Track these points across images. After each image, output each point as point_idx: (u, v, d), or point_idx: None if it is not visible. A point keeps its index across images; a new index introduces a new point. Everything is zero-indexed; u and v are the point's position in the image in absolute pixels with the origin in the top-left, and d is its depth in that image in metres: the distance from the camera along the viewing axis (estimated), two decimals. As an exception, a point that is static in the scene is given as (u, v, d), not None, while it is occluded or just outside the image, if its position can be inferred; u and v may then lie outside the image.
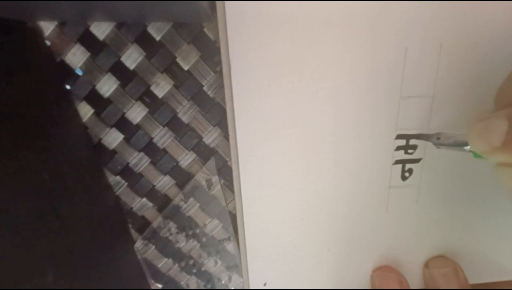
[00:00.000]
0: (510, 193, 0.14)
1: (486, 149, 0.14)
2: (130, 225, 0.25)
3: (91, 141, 0.23)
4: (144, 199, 0.25)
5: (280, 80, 0.19)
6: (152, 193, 0.24)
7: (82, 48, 0.21)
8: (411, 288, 0.22)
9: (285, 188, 0.21)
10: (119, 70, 0.22)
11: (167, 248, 0.26)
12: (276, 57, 0.19)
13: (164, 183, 0.24)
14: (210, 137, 0.23)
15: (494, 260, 0.23)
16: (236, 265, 0.26)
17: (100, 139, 0.23)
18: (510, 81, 0.15)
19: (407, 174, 0.21)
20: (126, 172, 0.24)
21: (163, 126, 0.23)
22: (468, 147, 0.16)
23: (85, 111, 0.22)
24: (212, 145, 0.23)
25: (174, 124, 0.23)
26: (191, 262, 0.26)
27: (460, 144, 0.17)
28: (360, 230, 0.22)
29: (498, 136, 0.13)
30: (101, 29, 0.21)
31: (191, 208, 0.25)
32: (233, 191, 0.24)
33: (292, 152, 0.21)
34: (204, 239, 0.26)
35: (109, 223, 0.23)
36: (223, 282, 0.27)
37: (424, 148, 0.21)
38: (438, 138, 0.19)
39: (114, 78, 0.22)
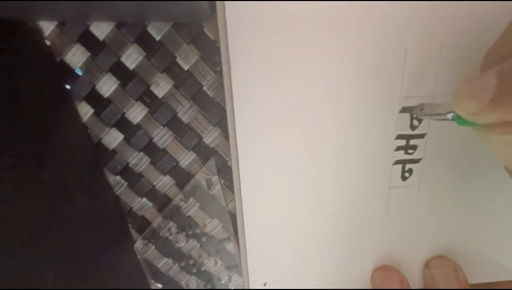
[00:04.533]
0: (499, 157, 0.14)
1: (475, 109, 0.13)
2: (130, 225, 0.25)
3: (91, 141, 0.23)
4: (144, 199, 0.25)
5: (280, 80, 0.19)
6: (152, 193, 0.24)
7: (82, 48, 0.21)
8: (411, 288, 0.22)
9: (285, 188, 0.21)
10: (119, 70, 0.22)
11: (167, 248, 0.26)
12: (276, 57, 0.19)
13: (164, 183, 0.24)
14: (210, 137, 0.23)
15: (494, 260, 0.23)
16: (236, 265, 0.26)
17: (100, 139, 0.23)
18: (500, 41, 0.15)
19: (407, 174, 0.21)
20: (126, 172, 0.24)
21: (163, 126, 0.23)
22: (451, 115, 0.16)
23: (85, 111, 0.22)
24: (212, 145, 0.23)
25: (174, 124, 0.23)
26: (191, 262, 0.26)
27: (443, 112, 0.16)
28: (360, 230, 0.22)
29: (487, 92, 0.13)
30: (101, 29, 0.21)
31: (191, 208, 0.25)
32: (233, 191, 0.24)
33: (292, 152, 0.21)
34: (204, 239, 0.26)
35: (109, 223, 0.23)
36: (223, 282, 0.27)
37: (424, 148, 0.21)
38: (421, 109, 0.18)
39: (114, 78, 0.22)
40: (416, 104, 0.19)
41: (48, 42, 0.21)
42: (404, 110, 0.20)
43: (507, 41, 0.15)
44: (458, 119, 0.15)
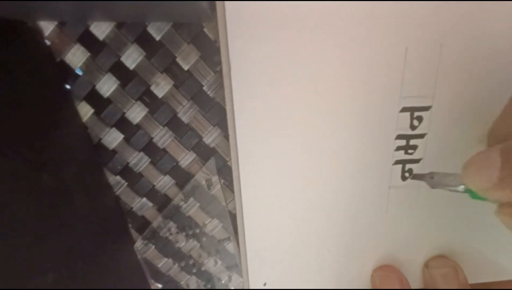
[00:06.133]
0: None
1: (483, 186, 0.13)
2: (130, 225, 0.25)
3: (91, 141, 0.23)
4: (144, 199, 0.25)
5: (279, 80, 0.19)
6: (152, 193, 0.24)
7: (82, 48, 0.21)
8: (411, 288, 0.22)
9: (285, 188, 0.21)
10: (119, 70, 0.22)
11: (167, 248, 0.26)
12: (276, 57, 0.19)
13: (164, 183, 0.24)
14: (210, 137, 0.23)
15: (494, 260, 0.23)
16: (236, 265, 0.26)
17: (100, 139, 0.23)
18: (502, 118, 0.15)
19: (407, 174, 0.21)
20: (126, 172, 0.24)
21: (163, 126, 0.23)
22: (462, 187, 0.15)
23: (85, 111, 0.22)
24: (212, 145, 0.23)
25: (174, 124, 0.23)
26: (191, 262, 0.26)
27: (454, 184, 0.16)
28: (360, 230, 0.22)
29: (494, 171, 0.13)
30: (101, 29, 0.21)
31: (191, 208, 0.25)
32: (233, 191, 0.24)
33: (292, 152, 0.21)
34: (204, 239, 0.26)
35: (109, 223, 0.23)
36: (223, 282, 0.27)
37: (424, 148, 0.21)
38: (432, 177, 0.18)
39: (114, 78, 0.22)
40: (431, 172, 0.19)
41: (48, 42, 0.21)
42: (414, 177, 0.20)
43: (509, 120, 0.15)
44: (470, 193, 0.15)
